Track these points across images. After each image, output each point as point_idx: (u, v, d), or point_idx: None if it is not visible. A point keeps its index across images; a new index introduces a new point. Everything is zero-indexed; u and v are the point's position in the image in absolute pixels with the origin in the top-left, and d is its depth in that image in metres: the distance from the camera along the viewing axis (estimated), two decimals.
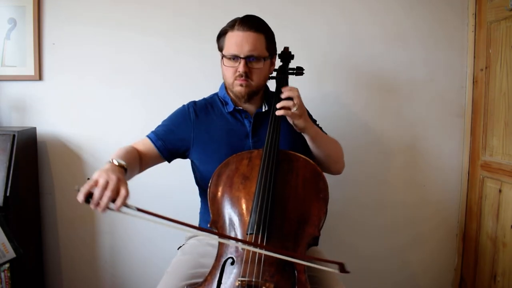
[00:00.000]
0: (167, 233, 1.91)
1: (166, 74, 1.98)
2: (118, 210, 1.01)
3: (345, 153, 1.54)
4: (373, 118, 2.03)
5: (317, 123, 1.53)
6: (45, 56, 1.96)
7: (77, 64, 1.97)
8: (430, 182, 2.06)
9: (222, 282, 1.11)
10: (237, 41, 1.30)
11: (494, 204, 1.82)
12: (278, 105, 1.28)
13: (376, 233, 2.07)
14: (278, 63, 1.50)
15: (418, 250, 2.09)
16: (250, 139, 1.39)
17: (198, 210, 1.54)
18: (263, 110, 1.42)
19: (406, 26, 1.98)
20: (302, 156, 1.30)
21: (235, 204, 1.22)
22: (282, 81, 1.43)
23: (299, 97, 1.29)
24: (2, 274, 1.69)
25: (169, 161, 1.44)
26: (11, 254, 1.30)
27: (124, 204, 1.01)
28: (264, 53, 1.33)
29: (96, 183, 1.02)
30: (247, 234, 1.14)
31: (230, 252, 1.16)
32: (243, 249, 1.13)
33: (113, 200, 1.01)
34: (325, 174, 1.30)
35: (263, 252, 1.09)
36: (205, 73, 1.94)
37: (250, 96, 1.36)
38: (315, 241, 1.22)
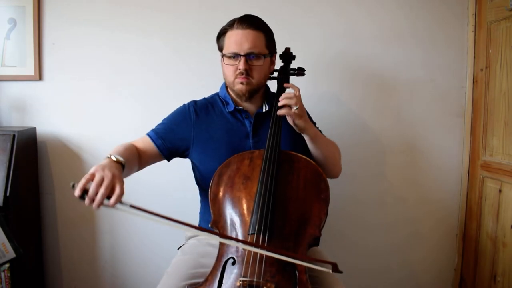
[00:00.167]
0: (167, 233, 1.92)
1: (166, 75, 1.98)
2: (113, 206, 1.01)
3: (345, 153, 1.54)
4: (373, 118, 2.03)
5: (317, 125, 1.53)
6: (45, 56, 1.96)
7: (77, 64, 1.97)
8: (430, 182, 2.06)
9: (223, 282, 1.11)
10: (237, 39, 1.31)
11: (494, 204, 1.83)
12: (281, 99, 1.29)
13: (376, 232, 2.07)
14: (279, 63, 1.50)
15: (418, 250, 2.09)
16: (251, 139, 1.40)
17: (198, 210, 1.54)
18: (264, 110, 1.42)
19: (406, 26, 1.98)
20: (303, 156, 1.30)
21: (236, 204, 1.22)
22: (283, 82, 1.43)
23: (300, 96, 1.31)
24: (2, 274, 1.69)
25: (169, 160, 1.45)
26: (11, 254, 1.30)
27: (119, 201, 1.01)
28: (264, 50, 1.34)
29: (92, 178, 1.02)
30: (248, 234, 1.14)
31: (231, 252, 1.16)
32: (244, 249, 1.13)
33: (108, 196, 1.01)
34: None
35: (259, 251, 1.09)
36: (205, 74, 1.93)
37: (251, 94, 1.36)
38: (316, 241, 1.22)
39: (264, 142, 1.30)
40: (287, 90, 1.37)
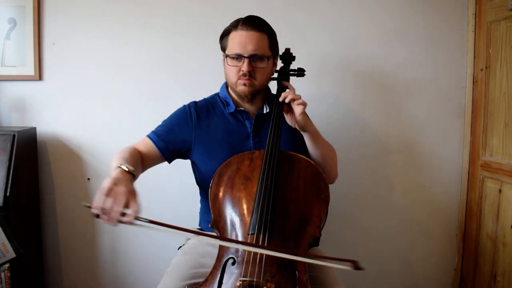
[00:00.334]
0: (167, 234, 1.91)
1: (166, 75, 1.98)
2: (131, 223, 1.00)
3: (345, 153, 1.54)
4: (373, 118, 2.03)
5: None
6: (45, 56, 1.96)
7: (77, 64, 1.97)
8: (430, 182, 2.06)
9: (223, 282, 1.11)
10: (241, 40, 1.31)
11: (494, 204, 1.83)
12: (284, 95, 1.30)
13: (376, 232, 2.07)
14: (279, 64, 1.50)
15: (418, 249, 2.09)
16: (251, 140, 1.40)
17: (198, 210, 1.55)
18: (264, 111, 1.42)
19: (406, 26, 1.98)
20: (303, 157, 1.30)
21: (236, 204, 1.22)
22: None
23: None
24: (2, 274, 1.69)
25: (169, 162, 1.44)
26: (11, 254, 1.30)
27: (136, 218, 1.00)
28: (267, 52, 1.34)
29: (106, 196, 1.00)
30: (248, 234, 1.14)
31: (231, 252, 1.16)
32: (244, 249, 1.13)
33: (123, 213, 0.99)
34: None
35: (268, 252, 1.08)
36: (205, 74, 1.93)
37: (253, 95, 1.36)
38: (315, 242, 1.22)
39: (265, 143, 1.30)
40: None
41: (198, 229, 1.48)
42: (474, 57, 1.96)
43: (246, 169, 1.27)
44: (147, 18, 1.95)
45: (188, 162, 1.49)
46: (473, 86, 1.97)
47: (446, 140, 2.04)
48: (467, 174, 2.01)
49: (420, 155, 2.05)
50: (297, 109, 1.29)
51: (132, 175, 1.13)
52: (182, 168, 1.57)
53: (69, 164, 2.01)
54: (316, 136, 1.36)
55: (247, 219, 1.18)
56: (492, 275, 1.82)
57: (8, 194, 1.68)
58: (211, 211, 1.25)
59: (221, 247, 1.19)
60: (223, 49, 1.38)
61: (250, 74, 1.32)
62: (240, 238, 1.18)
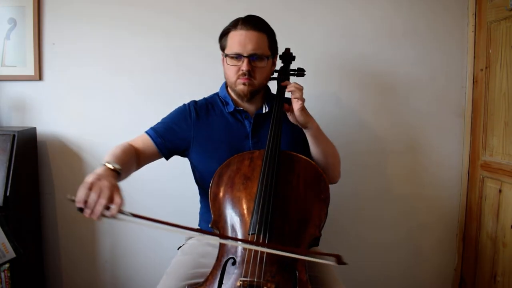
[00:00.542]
0: (167, 233, 1.91)
1: (166, 75, 1.98)
2: (114, 217, 1.00)
3: (344, 154, 1.53)
4: (373, 118, 2.03)
5: None
6: (45, 56, 1.96)
7: (77, 64, 1.97)
8: (430, 182, 2.06)
9: (223, 282, 1.11)
10: (240, 40, 1.31)
11: (494, 204, 1.83)
12: (290, 86, 1.33)
13: (375, 233, 2.07)
14: (279, 64, 1.50)
15: (418, 249, 2.09)
16: (250, 140, 1.40)
17: (198, 210, 1.55)
18: (264, 111, 1.42)
19: (406, 26, 1.98)
20: (303, 157, 1.30)
21: (237, 204, 1.22)
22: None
23: (302, 93, 1.32)
24: (2, 274, 1.69)
25: (167, 159, 1.44)
26: (11, 254, 1.30)
27: (119, 211, 1.00)
28: (266, 52, 1.35)
29: (89, 190, 1.00)
30: (248, 234, 1.14)
31: (231, 253, 1.16)
32: (244, 249, 1.13)
33: (107, 207, 0.99)
34: None
35: (259, 248, 1.09)
36: (205, 74, 1.93)
37: (252, 94, 1.36)
38: (315, 241, 1.22)
39: (264, 143, 1.30)
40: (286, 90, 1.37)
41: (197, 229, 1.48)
42: (474, 57, 1.96)
43: (246, 169, 1.27)
44: (147, 18, 1.95)
45: (187, 161, 1.49)
46: (473, 86, 1.97)
47: (446, 140, 2.04)
48: (467, 174, 2.01)
49: (420, 155, 2.05)
50: (295, 105, 1.30)
51: (116, 173, 1.12)
52: (182, 168, 1.57)
53: (69, 164, 2.01)
54: (318, 134, 1.36)
55: (247, 219, 1.18)
56: (492, 275, 1.82)
57: (8, 194, 1.68)
58: (211, 211, 1.25)
59: (221, 247, 1.19)
60: (222, 48, 1.39)
61: (250, 74, 1.32)
62: (240, 238, 1.18)
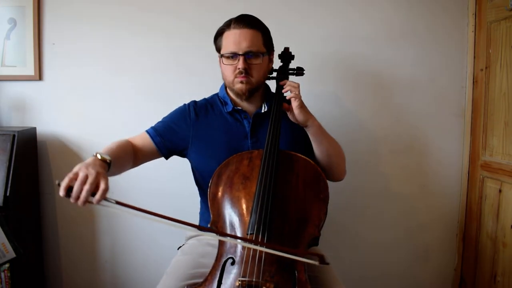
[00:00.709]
0: (167, 233, 1.92)
1: (166, 75, 1.98)
2: (98, 203, 1.01)
3: (344, 153, 1.53)
4: (373, 118, 2.03)
5: None
6: (45, 56, 1.96)
7: (77, 64, 1.97)
8: (430, 182, 2.06)
9: (222, 282, 1.11)
10: (235, 38, 1.32)
11: (494, 204, 1.82)
12: (286, 84, 1.33)
13: (375, 232, 2.07)
14: (278, 63, 1.50)
15: (418, 249, 2.09)
16: (249, 140, 1.40)
17: (198, 210, 1.55)
18: (263, 111, 1.42)
19: (406, 26, 1.98)
20: (302, 156, 1.30)
21: (235, 204, 1.22)
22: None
23: (299, 91, 1.32)
24: (2, 274, 1.69)
25: (167, 158, 1.45)
26: (11, 254, 1.31)
27: (104, 198, 1.01)
28: (261, 48, 1.35)
29: (75, 177, 1.01)
30: (247, 234, 1.14)
31: (231, 253, 1.16)
32: (243, 249, 1.13)
33: (93, 193, 1.01)
34: None
35: (247, 245, 1.10)
36: (205, 74, 1.93)
37: (251, 93, 1.36)
38: (315, 241, 1.22)
39: (262, 142, 1.30)
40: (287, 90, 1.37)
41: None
42: (474, 57, 1.96)
43: (245, 168, 1.27)
44: (147, 18, 1.95)
45: (187, 161, 1.49)
46: (473, 86, 1.97)
47: (446, 140, 2.04)
48: (467, 174, 2.01)
49: (420, 155, 2.05)
50: (293, 103, 1.30)
51: (106, 164, 1.13)
52: (182, 168, 1.57)
53: (69, 164, 1.97)
54: (319, 132, 1.36)
55: (246, 219, 1.18)
56: (492, 275, 1.82)
57: (8, 194, 1.69)
58: (210, 211, 1.25)
59: (220, 247, 1.19)
60: (218, 49, 1.39)
61: (247, 72, 1.32)
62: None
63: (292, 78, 1.48)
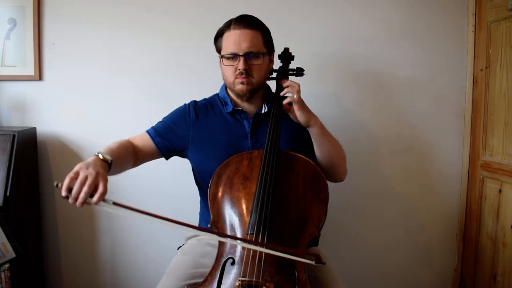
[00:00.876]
0: (167, 233, 1.92)
1: (166, 75, 1.98)
2: (95, 204, 1.02)
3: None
4: (373, 118, 2.03)
5: None
6: (45, 56, 1.96)
7: (77, 64, 1.97)
8: (430, 182, 2.06)
9: (222, 282, 1.12)
10: (235, 39, 1.31)
11: (494, 204, 1.82)
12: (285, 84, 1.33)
13: (375, 232, 2.07)
14: (278, 64, 1.50)
15: (418, 249, 2.09)
16: (249, 140, 1.39)
17: (198, 211, 1.55)
18: (263, 111, 1.42)
19: (406, 26, 1.98)
20: (302, 156, 1.30)
21: (235, 204, 1.22)
22: None
23: (299, 91, 1.31)
24: (2, 274, 1.69)
25: (167, 158, 1.45)
26: (11, 254, 1.31)
27: (101, 199, 1.02)
28: (262, 49, 1.34)
29: (76, 177, 1.02)
30: (247, 234, 1.14)
31: (231, 252, 1.16)
32: (243, 249, 1.13)
33: (92, 195, 1.01)
34: None
35: (246, 245, 1.09)
36: (205, 74, 1.93)
37: (251, 93, 1.36)
38: (315, 241, 1.22)
39: (263, 143, 1.30)
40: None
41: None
42: (474, 57, 1.96)
43: (245, 169, 1.27)
44: (147, 18, 1.95)
45: (187, 161, 1.49)
46: (473, 86, 1.97)
47: (446, 140, 2.04)
48: (467, 174, 2.01)
49: (419, 155, 2.05)
50: (294, 105, 1.31)
51: (107, 164, 1.14)
52: (182, 168, 1.58)
53: (69, 164, 1.97)
54: (321, 132, 1.35)
55: (246, 219, 1.18)
56: (492, 275, 1.82)
57: (8, 194, 1.69)
58: (210, 211, 1.25)
59: (220, 247, 1.19)
60: (218, 50, 1.39)
61: (247, 72, 1.32)
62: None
63: (292, 78, 1.48)
